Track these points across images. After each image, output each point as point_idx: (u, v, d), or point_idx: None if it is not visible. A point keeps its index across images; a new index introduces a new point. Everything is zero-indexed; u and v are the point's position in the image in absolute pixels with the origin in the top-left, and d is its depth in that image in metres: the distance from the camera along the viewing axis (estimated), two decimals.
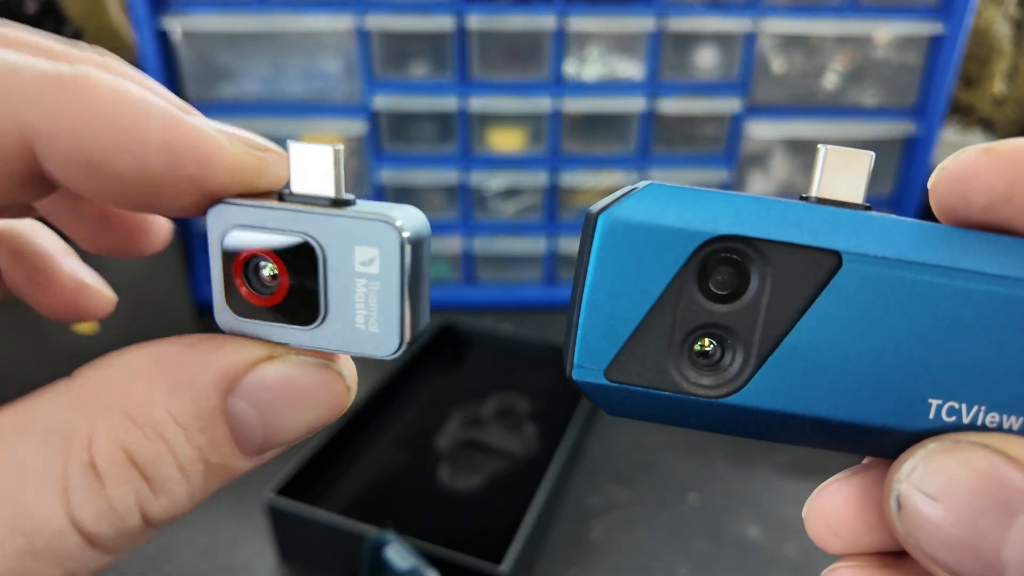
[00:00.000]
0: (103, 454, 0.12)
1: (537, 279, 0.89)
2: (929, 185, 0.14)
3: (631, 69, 0.78)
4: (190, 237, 0.82)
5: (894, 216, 0.14)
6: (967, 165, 0.14)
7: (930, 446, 0.14)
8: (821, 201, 0.14)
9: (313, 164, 0.15)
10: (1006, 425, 0.14)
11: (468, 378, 0.75)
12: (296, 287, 0.15)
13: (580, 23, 0.74)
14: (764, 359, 0.14)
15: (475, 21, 0.73)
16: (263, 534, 0.55)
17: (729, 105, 0.79)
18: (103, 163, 0.13)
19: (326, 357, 0.15)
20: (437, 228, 0.85)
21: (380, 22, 0.73)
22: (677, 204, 0.14)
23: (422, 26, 0.73)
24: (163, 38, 0.74)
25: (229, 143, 0.14)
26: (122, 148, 0.13)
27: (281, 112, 0.79)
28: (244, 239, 0.15)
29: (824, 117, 0.81)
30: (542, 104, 0.77)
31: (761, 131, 0.80)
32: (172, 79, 0.76)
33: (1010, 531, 0.12)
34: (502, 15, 0.73)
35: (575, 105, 0.78)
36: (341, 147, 0.15)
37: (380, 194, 0.82)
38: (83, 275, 0.22)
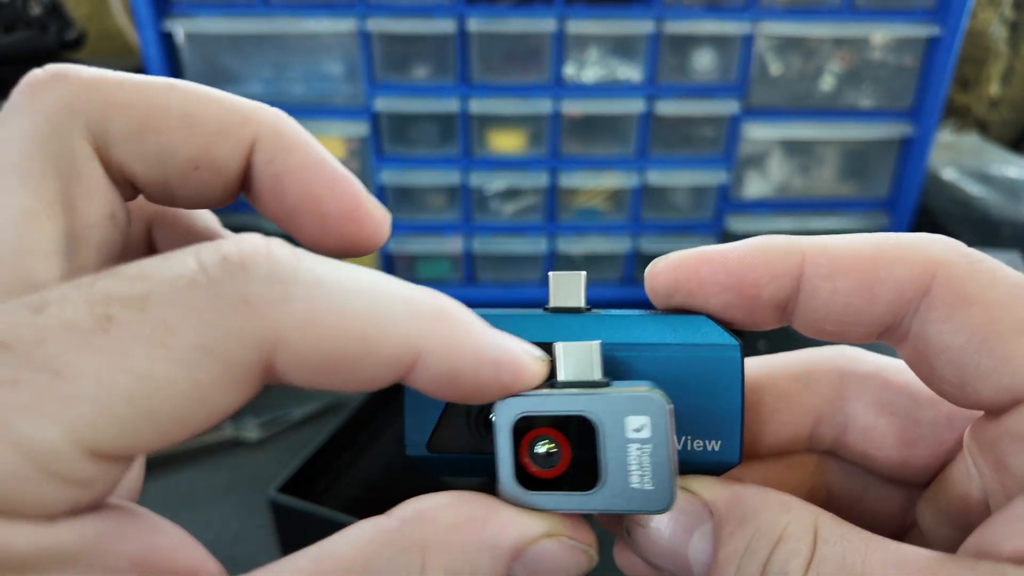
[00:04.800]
0: None
1: (537, 279, 0.89)
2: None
3: (630, 71, 0.78)
4: None
5: (610, 311, 0.21)
6: (653, 270, 0.21)
7: None
8: (556, 310, 0.21)
9: (578, 356, 0.18)
10: (709, 448, 0.20)
11: None
12: (577, 458, 0.18)
13: (579, 26, 0.75)
14: None
15: (476, 24, 0.74)
16: (267, 531, 0.56)
17: (727, 107, 0.79)
18: (458, 374, 0.17)
19: (581, 531, 0.19)
20: (438, 229, 0.86)
21: (381, 25, 0.74)
22: None
23: (423, 29, 0.74)
24: (167, 40, 0.75)
25: (530, 359, 0.18)
26: (472, 367, 0.17)
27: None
28: (531, 423, 0.18)
29: (821, 119, 0.82)
30: (542, 106, 0.78)
31: (759, 133, 0.81)
32: None
33: (690, 541, 0.19)
34: (502, 18, 0.74)
35: (574, 107, 0.79)
36: (599, 342, 0.18)
37: (382, 195, 0.83)
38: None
